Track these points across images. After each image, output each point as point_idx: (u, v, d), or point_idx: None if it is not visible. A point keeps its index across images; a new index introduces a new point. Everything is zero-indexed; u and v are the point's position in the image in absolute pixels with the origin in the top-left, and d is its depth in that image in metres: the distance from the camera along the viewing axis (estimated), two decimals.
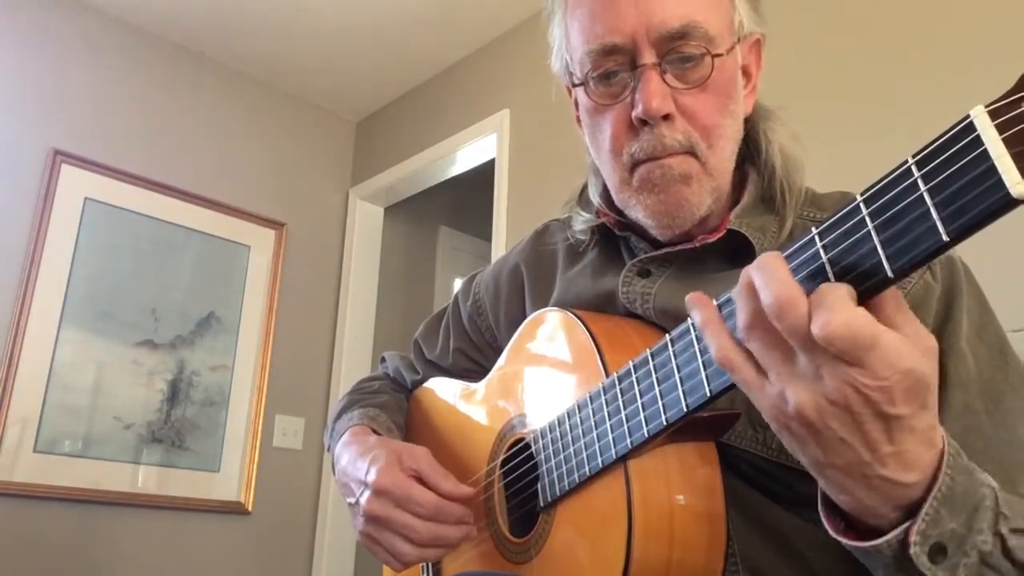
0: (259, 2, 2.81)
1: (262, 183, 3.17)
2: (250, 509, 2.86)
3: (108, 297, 2.69)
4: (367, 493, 0.84)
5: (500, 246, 2.66)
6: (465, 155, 3.00)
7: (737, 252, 0.76)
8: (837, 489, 0.51)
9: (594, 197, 0.88)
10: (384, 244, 3.44)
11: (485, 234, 2.91)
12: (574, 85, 0.81)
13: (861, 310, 0.45)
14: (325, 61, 3.13)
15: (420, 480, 0.84)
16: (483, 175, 2.96)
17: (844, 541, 0.53)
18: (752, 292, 0.49)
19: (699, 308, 0.53)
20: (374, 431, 0.98)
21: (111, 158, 2.79)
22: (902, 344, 0.46)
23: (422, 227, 3.67)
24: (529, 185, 2.64)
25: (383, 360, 1.21)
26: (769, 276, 0.48)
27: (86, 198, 2.71)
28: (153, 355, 2.76)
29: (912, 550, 0.49)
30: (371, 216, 3.41)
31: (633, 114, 0.74)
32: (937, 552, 0.49)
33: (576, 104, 0.85)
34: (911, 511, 0.50)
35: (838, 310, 0.45)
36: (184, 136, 3.00)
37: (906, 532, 0.49)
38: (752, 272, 0.49)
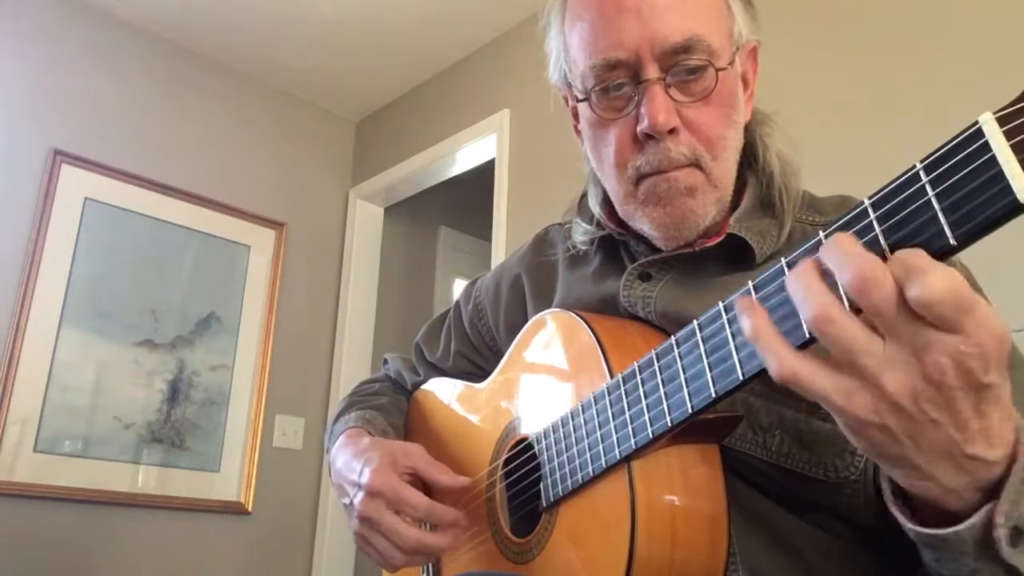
0: (259, 2, 2.81)
1: (262, 183, 3.17)
2: (250, 509, 2.86)
3: (108, 297, 2.69)
4: (360, 494, 0.84)
5: (500, 246, 2.66)
6: (465, 155, 3.01)
7: (737, 256, 0.77)
8: (919, 476, 0.47)
9: (594, 207, 0.88)
10: (384, 244, 3.44)
11: (485, 234, 2.91)
12: (578, 100, 0.81)
13: (953, 269, 0.43)
14: (325, 61, 3.13)
15: (417, 477, 0.85)
16: (483, 175, 2.96)
17: (924, 531, 0.49)
18: (813, 280, 0.46)
19: (749, 315, 0.50)
20: (369, 433, 0.98)
21: (111, 158, 2.79)
22: (990, 307, 0.43)
23: (422, 227, 3.67)
24: (529, 185, 2.65)
25: (385, 362, 1.22)
26: (844, 252, 0.45)
27: (86, 198, 2.71)
28: (153, 355, 2.76)
29: (996, 532, 0.46)
30: (371, 216, 3.42)
31: (639, 129, 0.74)
32: (1017, 536, 0.47)
33: (574, 114, 0.85)
34: (991, 491, 0.47)
35: (933, 270, 0.42)
36: (184, 136, 3.00)
37: (990, 513, 0.47)
38: (822, 254, 0.46)
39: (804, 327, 0.50)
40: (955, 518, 0.48)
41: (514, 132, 2.76)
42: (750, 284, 0.55)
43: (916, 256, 0.43)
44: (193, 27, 2.95)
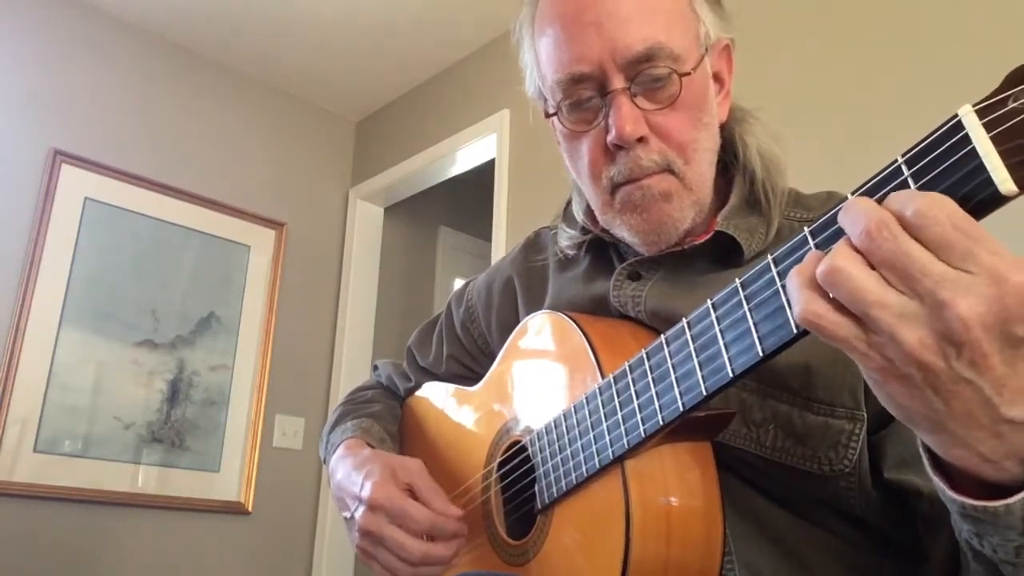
0: (259, 2, 2.81)
1: (262, 183, 3.17)
2: (250, 509, 2.86)
3: (108, 297, 2.69)
4: (361, 508, 0.84)
5: (500, 246, 2.66)
6: (465, 155, 3.01)
7: (725, 254, 0.77)
8: (955, 443, 0.45)
9: (578, 215, 0.89)
10: (384, 244, 3.45)
11: (485, 234, 2.91)
12: (548, 115, 0.82)
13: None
14: (325, 61, 3.13)
15: (414, 494, 0.85)
16: (483, 175, 2.96)
17: (970, 503, 0.47)
18: (839, 245, 0.45)
19: (796, 272, 0.48)
20: (368, 444, 0.98)
21: (111, 158, 2.79)
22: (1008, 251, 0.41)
23: (422, 227, 3.67)
24: (529, 185, 2.65)
25: (375, 368, 1.22)
26: (858, 208, 0.44)
27: (86, 198, 2.71)
28: (153, 355, 2.76)
29: None
30: (371, 216, 3.42)
31: (608, 139, 0.74)
32: None
33: (554, 126, 0.86)
34: None
35: (928, 193, 0.42)
36: (184, 136, 3.00)
37: None
38: (840, 217, 0.45)
39: (791, 322, 0.49)
40: (998, 490, 0.46)
41: (514, 132, 2.76)
42: (737, 281, 0.55)
43: (903, 192, 0.43)
44: (193, 27, 2.95)
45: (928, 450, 0.48)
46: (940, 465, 0.48)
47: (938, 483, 0.49)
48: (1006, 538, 0.47)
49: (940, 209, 0.41)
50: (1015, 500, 0.45)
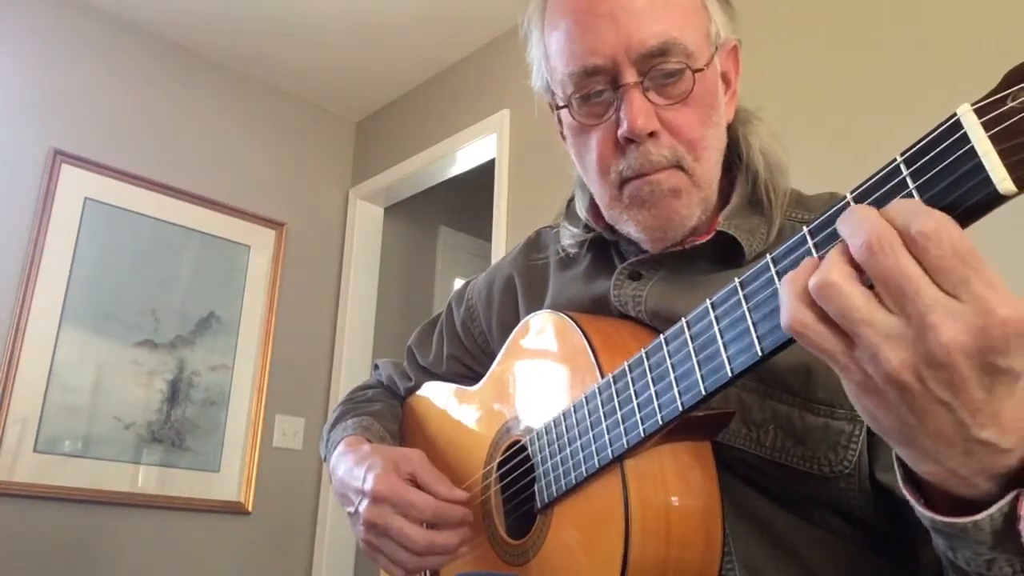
0: (259, 2, 2.81)
1: (262, 183, 3.17)
2: (250, 509, 2.86)
3: (108, 297, 2.69)
4: (365, 501, 0.84)
5: (500, 246, 2.66)
6: (465, 155, 3.01)
7: (726, 254, 0.77)
8: (925, 457, 0.45)
9: (581, 212, 0.89)
10: (384, 244, 3.44)
11: (485, 234, 2.91)
12: (558, 107, 0.82)
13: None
14: (325, 61, 3.13)
15: (417, 484, 0.85)
16: (483, 175, 2.96)
17: (940, 519, 0.47)
18: (835, 253, 0.45)
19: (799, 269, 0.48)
20: (368, 440, 0.98)
21: (111, 158, 2.79)
22: (1004, 284, 0.41)
23: (422, 227, 3.67)
24: (529, 185, 2.65)
25: (376, 367, 1.22)
26: (861, 217, 0.43)
27: (86, 198, 2.71)
28: (153, 355, 2.76)
29: (1021, 525, 0.44)
30: (371, 216, 3.42)
31: (619, 133, 0.74)
32: None
33: (559, 120, 0.86)
34: (1007, 482, 0.45)
35: (935, 214, 0.41)
36: (184, 136, 3.00)
37: (1013, 504, 0.44)
38: (840, 224, 0.45)
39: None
40: (969, 505, 0.46)
41: (514, 132, 2.76)
42: (736, 281, 0.55)
43: (914, 203, 0.43)
44: (193, 27, 2.95)
45: (902, 464, 0.49)
46: (914, 479, 0.49)
47: (909, 497, 0.49)
48: (977, 552, 0.48)
49: (946, 233, 0.41)
50: (982, 516, 0.45)
